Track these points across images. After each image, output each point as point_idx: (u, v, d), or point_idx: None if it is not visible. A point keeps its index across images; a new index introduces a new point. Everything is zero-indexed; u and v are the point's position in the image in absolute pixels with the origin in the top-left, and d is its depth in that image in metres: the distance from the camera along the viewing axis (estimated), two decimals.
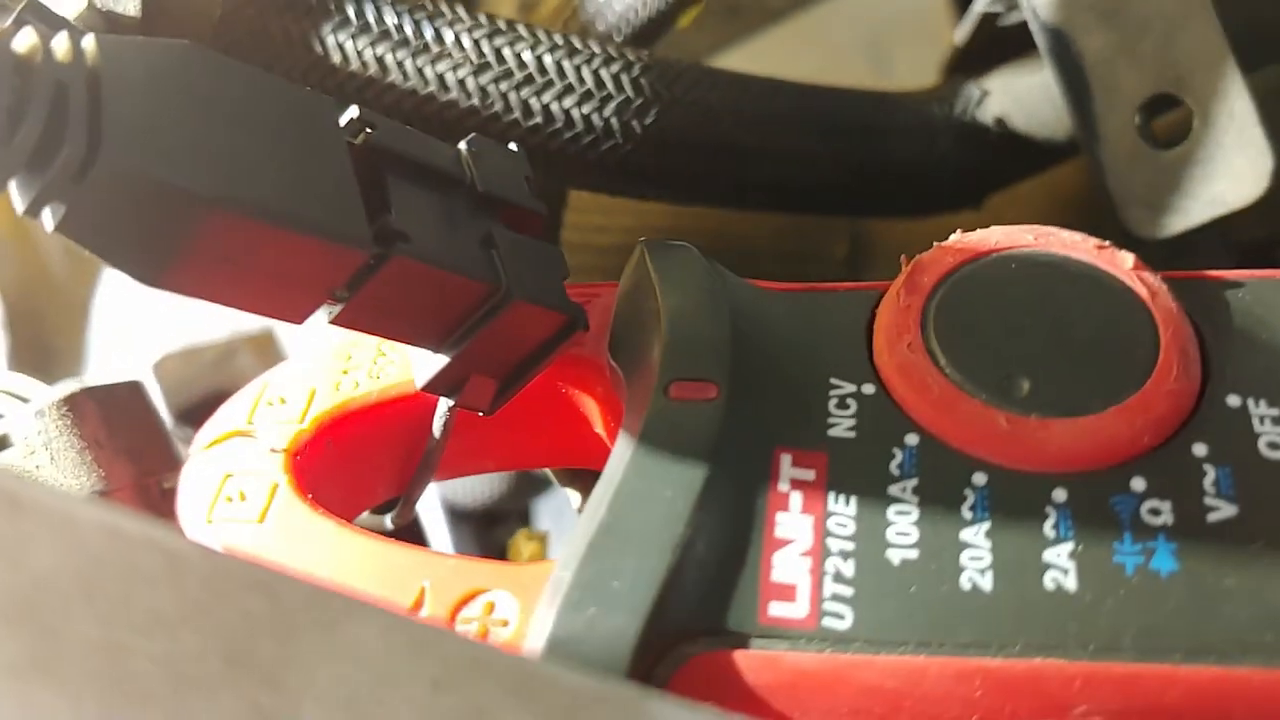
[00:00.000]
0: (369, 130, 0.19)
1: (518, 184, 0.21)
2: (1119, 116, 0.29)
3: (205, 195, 0.16)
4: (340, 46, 0.26)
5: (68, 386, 0.24)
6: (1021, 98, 0.31)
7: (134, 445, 0.24)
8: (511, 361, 0.21)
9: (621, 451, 0.19)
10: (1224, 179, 0.28)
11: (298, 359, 0.23)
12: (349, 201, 0.18)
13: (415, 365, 0.21)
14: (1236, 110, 0.27)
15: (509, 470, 0.33)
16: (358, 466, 0.23)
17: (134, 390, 0.26)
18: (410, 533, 0.42)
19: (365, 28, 0.26)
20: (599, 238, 0.35)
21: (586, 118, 0.26)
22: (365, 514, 0.24)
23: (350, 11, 0.26)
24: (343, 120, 0.19)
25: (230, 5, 0.26)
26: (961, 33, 0.32)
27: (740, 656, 0.17)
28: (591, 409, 0.22)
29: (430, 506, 0.41)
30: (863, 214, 0.33)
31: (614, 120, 0.27)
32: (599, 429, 0.22)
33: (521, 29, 0.26)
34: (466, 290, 0.20)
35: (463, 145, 0.21)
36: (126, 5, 0.24)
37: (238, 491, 0.21)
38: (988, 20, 0.32)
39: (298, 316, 0.19)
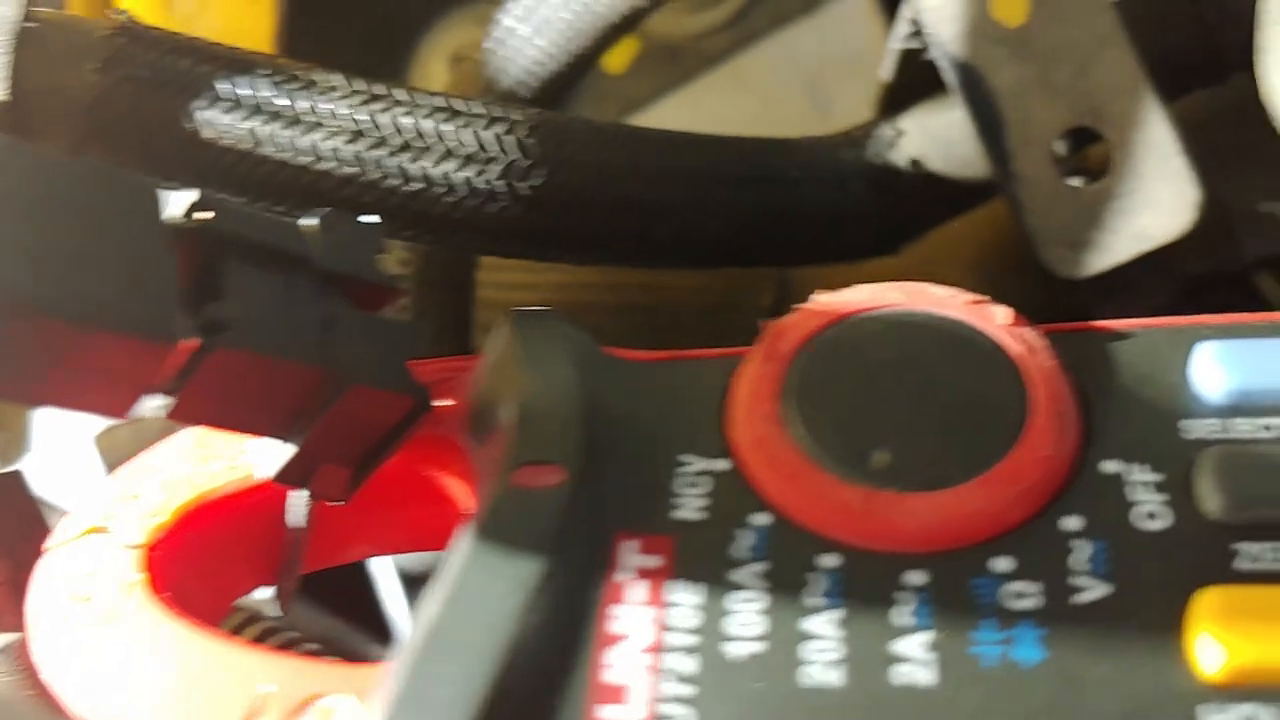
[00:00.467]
0: (202, 215, 0.18)
1: (367, 258, 0.20)
2: (1035, 152, 0.27)
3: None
4: (212, 122, 0.25)
5: None
6: (937, 136, 0.29)
7: (7, 539, 0.24)
8: (360, 447, 0.20)
9: (462, 544, 0.18)
10: (1147, 212, 0.27)
11: (157, 449, 0.22)
12: (162, 293, 0.17)
13: (265, 456, 0.20)
14: (1156, 140, 0.26)
15: (385, 555, 0.32)
16: (220, 560, 0.22)
17: (12, 480, 0.25)
18: (365, 600, 0.41)
19: (237, 103, 0.25)
20: (524, 295, 0.34)
21: (469, 181, 0.25)
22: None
23: (222, 87, 0.25)
24: (179, 206, 0.18)
25: (104, 87, 0.25)
26: (885, 70, 0.31)
27: None
28: (458, 490, 0.21)
29: (385, 572, 0.40)
30: (776, 263, 0.32)
31: (499, 183, 0.26)
32: (469, 510, 0.21)
33: (400, 94, 0.26)
34: (300, 376, 0.19)
35: (310, 220, 0.20)
36: None
37: (89, 591, 0.20)
38: (910, 56, 0.30)
39: (120, 411, 0.18)
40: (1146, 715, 0.15)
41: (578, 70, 0.32)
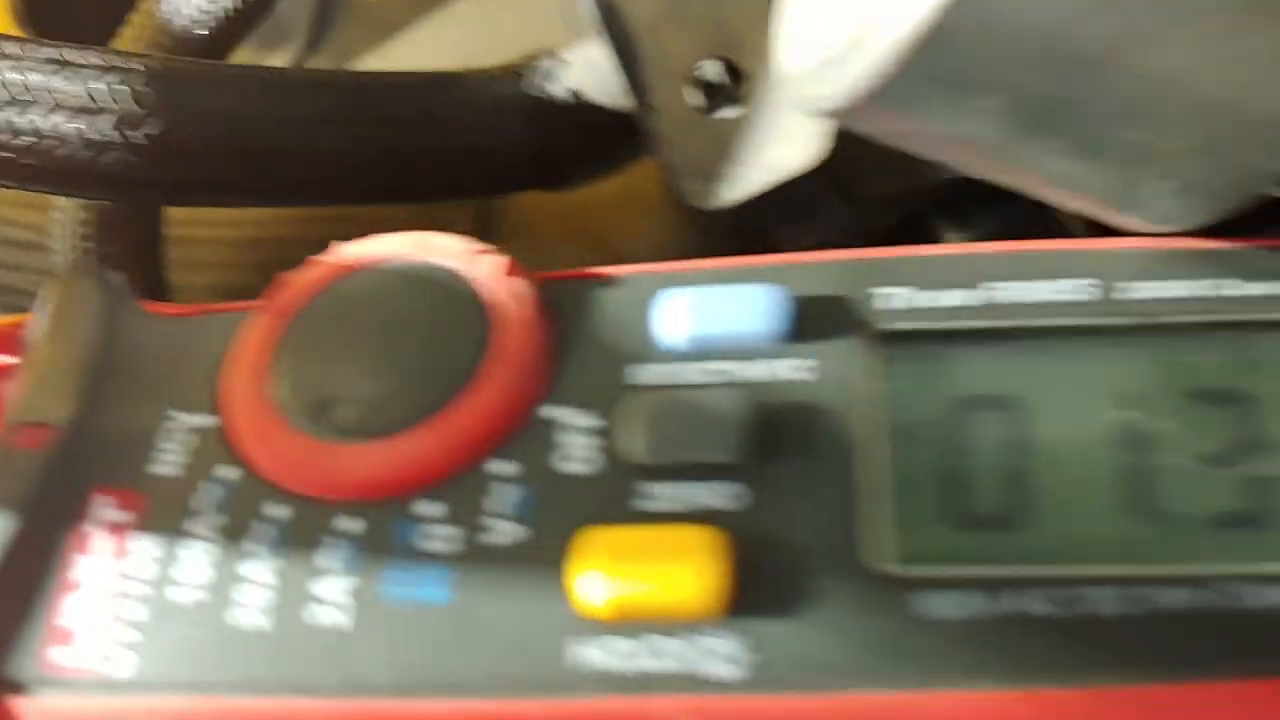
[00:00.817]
0: None
1: None
2: (670, 83, 0.28)
3: None
4: None
5: None
6: (594, 67, 0.30)
7: None
8: None
9: None
10: (778, 144, 0.27)
11: None
12: None
13: None
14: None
15: None
16: None
17: None
18: None
19: None
20: (228, 231, 0.35)
21: (80, 133, 0.26)
22: None
23: None
24: None
25: None
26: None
27: (18, 704, 0.17)
28: None
29: None
30: (439, 198, 0.32)
31: (112, 133, 0.26)
32: None
33: (10, 47, 0.26)
34: None
35: None
36: None
37: None
38: None
39: None
40: (524, 650, 0.16)
41: (254, 7, 0.32)
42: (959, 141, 0.17)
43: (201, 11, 0.32)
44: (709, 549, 0.16)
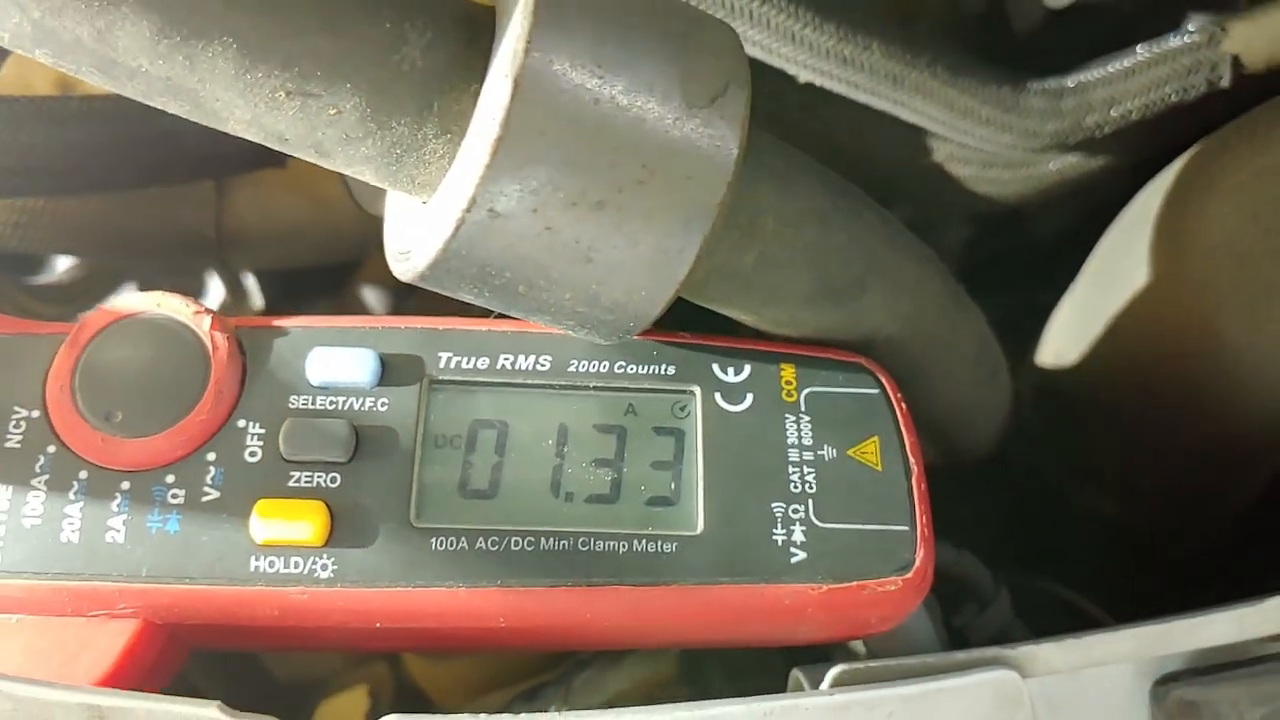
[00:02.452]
0: None
1: None
2: None
3: None
4: None
5: None
6: None
7: None
8: None
9: None
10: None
11: None
12: None
13: None
14: None
15: None
16: None
17: None
18: None
19: None
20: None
21: None
22: None
23: None
24: None
25: None
26: None
27: None
28: None
29: None
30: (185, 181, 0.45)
31: None
32: None
33: None
34: None
35: None
36: None
37: None
38: None
39: None
40: (222, 560, 0.32)
41: None
42: (488, 304, 0.32)
43: None
44: (319, 510, 0.32)
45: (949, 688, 0.33)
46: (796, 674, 0.33)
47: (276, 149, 0.30)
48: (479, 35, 0.29)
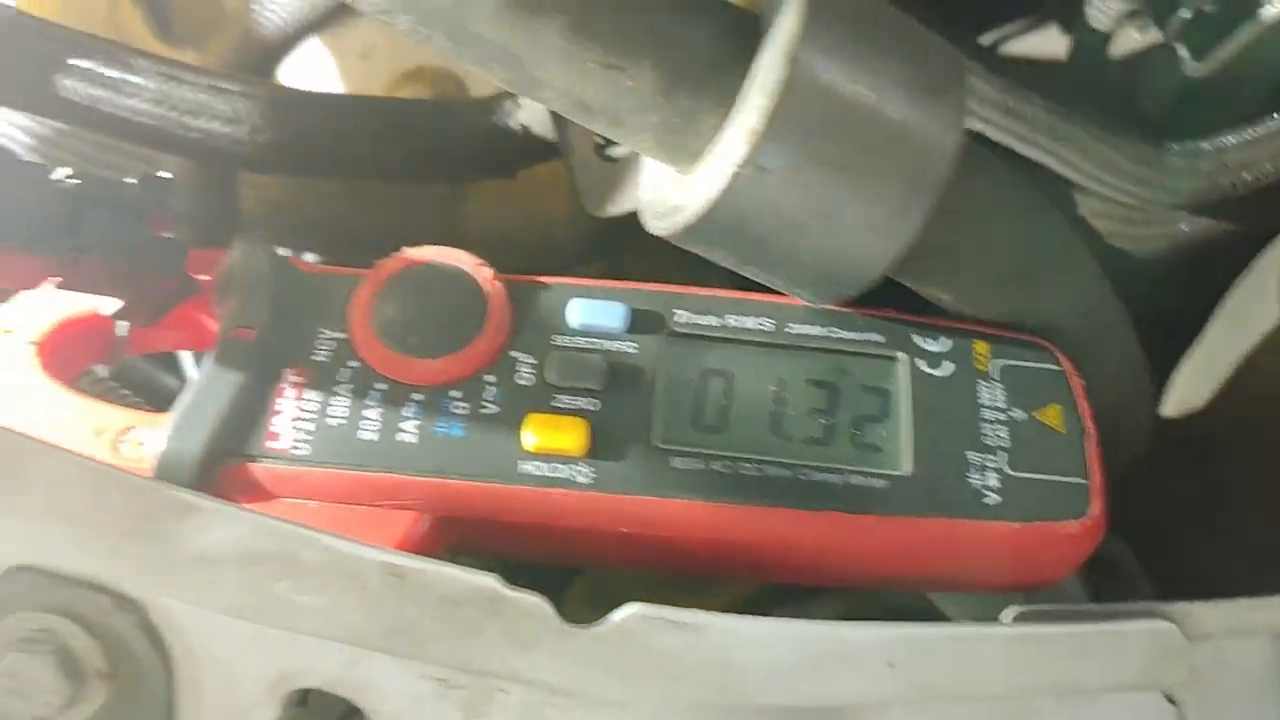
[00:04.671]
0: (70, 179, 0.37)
1: (155, 210, 0.40)
2: (584, 137, 0.48)
3: None
4: (66, 84, 0.43)
5: None
6: (537, 114, 0.50)
7: None
8: (156, 302, 0.40)
9: (208, 360, 0.38)
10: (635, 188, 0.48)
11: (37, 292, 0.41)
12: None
13: (110, 304, 0.40)
14: None
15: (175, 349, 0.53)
16: (77, 348, 0.42)
17: None
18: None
19: (83, 74, 0.43)
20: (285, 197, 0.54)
21: (230, 135, 0.44)
22: None
23: (73, 63, 0.43)
24: (59, 175, 0.37)
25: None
26: None
27: (252, 467, 0.37)
28: (210, 325, 0.42)
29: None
30: (433, 181, 0.52)
31: (243, 134, 0.45)
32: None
33: (189, 75, 0.44)
34: (122, 272, 0.38)
35: (132, 180, 0.39)
36: None
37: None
38: None
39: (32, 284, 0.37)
40: (497, 461, 0.37)
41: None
42: (731, 262, 0.38)
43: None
44: (580, 426, 0.38)
45: (1113, 631, 0.37)
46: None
47: (576, 117, 0.36)
48: (747, 28, 0.36)
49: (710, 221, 0.35)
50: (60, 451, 0.32)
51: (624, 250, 0.56)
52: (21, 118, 0.47)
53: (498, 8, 0.32)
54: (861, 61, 0.34)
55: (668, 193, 0.38)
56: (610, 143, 0.47)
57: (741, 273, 0.38)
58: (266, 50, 0.53)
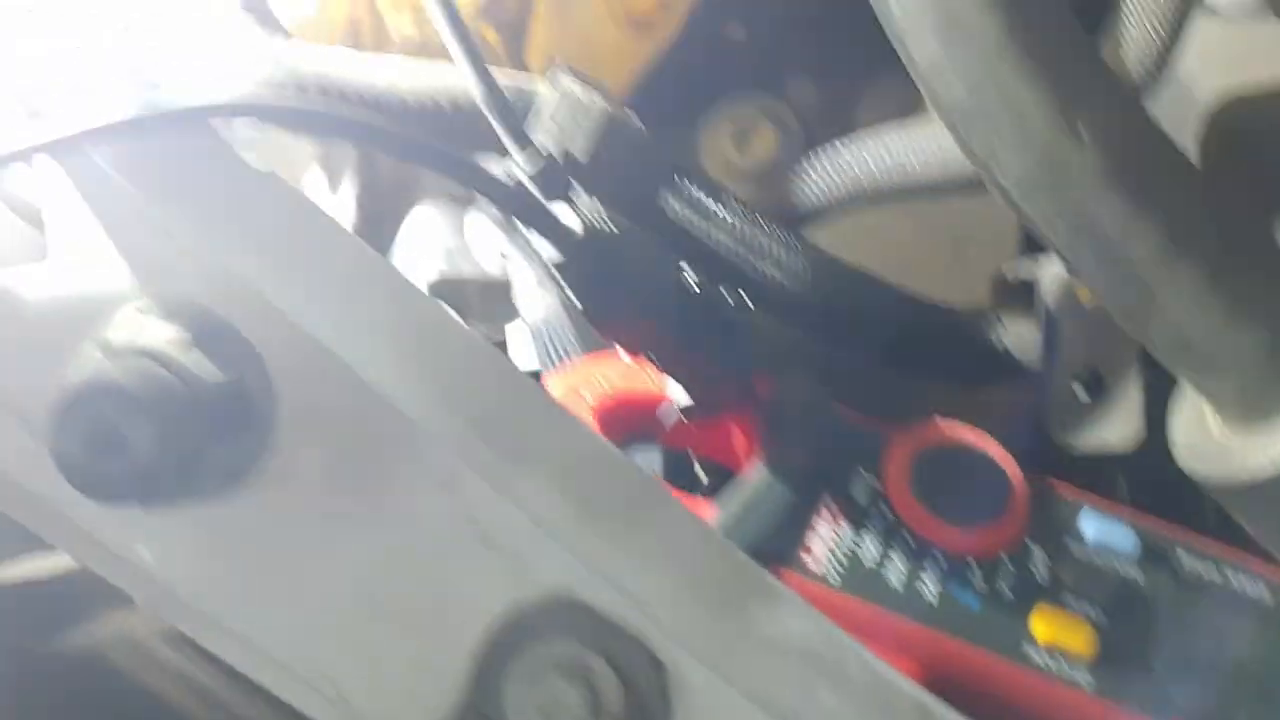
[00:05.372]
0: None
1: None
2: (1063, 376, 0.51)
3: None
4: (673, 205, 0.48)
5: None
6: (1025, 338, 0.53)
7: None
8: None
9: (755, 468, 0.42)
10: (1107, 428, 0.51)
11: (610, 359, 0.46)
12: None
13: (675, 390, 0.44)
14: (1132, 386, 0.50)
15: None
16: (622, 419, 0.46)
17: None
18: None
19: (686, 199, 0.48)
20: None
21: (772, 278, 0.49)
22: None
23: (681, 187, 0.48)
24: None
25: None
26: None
27: (786, 574, 0.40)
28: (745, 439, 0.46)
29: None
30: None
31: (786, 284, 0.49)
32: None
33: (763, 220, 0.49)
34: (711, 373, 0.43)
35: None
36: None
37: None
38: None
39: None
40: (1001, 641, 0.40)
41: None
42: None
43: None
44: (1089, 631, 0.40)
45: None
46: None
47: (1159, 346, 0.39)
48: None
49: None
50: (680, 504, 0.35)
51: None
52: None
53: (1160, 244, 0.36)
54: None
55: (1213, 437, 0.40)
56: (1089, 386, 0.50)
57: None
58: None
